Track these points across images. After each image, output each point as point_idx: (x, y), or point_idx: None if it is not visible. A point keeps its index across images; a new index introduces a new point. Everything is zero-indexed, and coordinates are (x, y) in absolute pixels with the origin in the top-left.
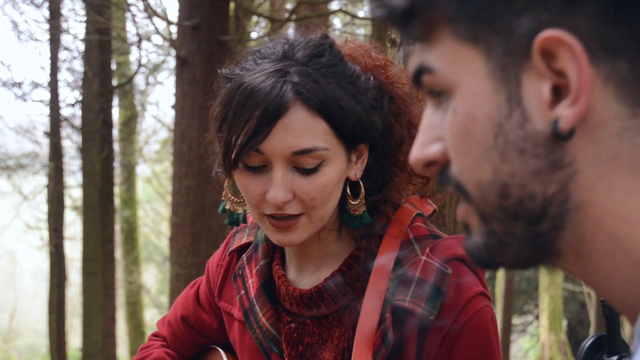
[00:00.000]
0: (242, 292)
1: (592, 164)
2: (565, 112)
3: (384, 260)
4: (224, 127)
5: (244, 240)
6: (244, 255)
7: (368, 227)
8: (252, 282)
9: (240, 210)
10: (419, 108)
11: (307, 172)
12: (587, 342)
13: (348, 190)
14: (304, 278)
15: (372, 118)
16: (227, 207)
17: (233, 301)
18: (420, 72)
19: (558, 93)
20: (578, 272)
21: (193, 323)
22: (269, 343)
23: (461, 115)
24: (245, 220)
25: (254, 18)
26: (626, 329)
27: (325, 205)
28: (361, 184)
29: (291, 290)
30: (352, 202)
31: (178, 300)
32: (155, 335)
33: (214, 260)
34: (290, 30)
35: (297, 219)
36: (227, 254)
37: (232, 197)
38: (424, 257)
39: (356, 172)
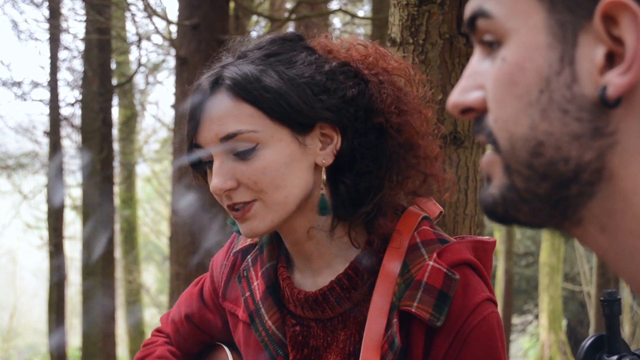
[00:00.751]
0: (247, 294)
1: (633, 137)
2: (615, 80)
3: (390, 264)
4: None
5: (248, 241)
6: (248, 256)
7: (373, 228)
8: (257, 285)
9: None
10: (414, 95)
11: (243, 157)
12: (587, 342)
13: (323, 176)
14: (308, 280)
15: (315, 99)
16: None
17: (238, 302)
18: (476, 16)
19: (611, 60)
20: (598, 246)
21: (197, 322)
22: (275, 346)
23: (510, 64)
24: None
25: (254, 17)
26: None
27: (279, 189)
28: (325, 170)
29: (296, 292)
30: (322, 188)
31: (182, 297)
32: (158, 330)
33: (218, 259)
34: (290, 30)
35: (250, 205)
36: (231, 254)
37: None
38: (431, 262)
39: (323, 157)
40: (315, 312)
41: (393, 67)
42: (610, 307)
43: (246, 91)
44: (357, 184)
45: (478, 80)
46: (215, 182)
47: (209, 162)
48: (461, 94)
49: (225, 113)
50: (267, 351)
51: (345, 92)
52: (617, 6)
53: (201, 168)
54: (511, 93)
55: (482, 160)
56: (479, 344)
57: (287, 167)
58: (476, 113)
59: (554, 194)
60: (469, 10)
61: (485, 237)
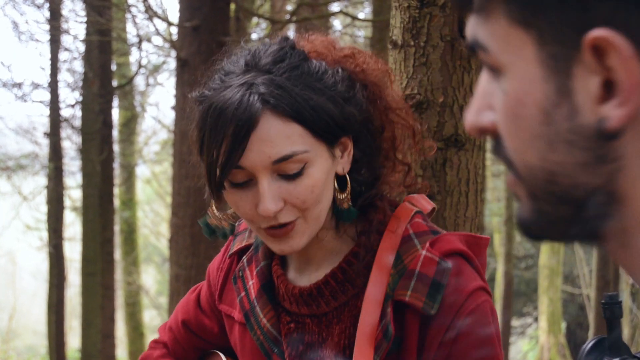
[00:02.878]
0: (243, 293)
1: (639, 158)
2: (613, 113)
3: (384, 255)
4: (204, 150)
5: (244, 243)
6: (244, 257)
7: (367, 224)
8: (252, 284)
9: (224, 225)
10: (394, 91)
11: (292, 177)
12: (588, 345)
13: (336, 185)
14: (304, 277)
15: (346, 110)
16: (212, 222)
17: (233, 304)
18: (475, 48)
19: (610, 87)
20: (623, 261)
21: (194, 327)
22: (270, 344)
23: (511, 98)
24: (232, 233)
25: (255, 19)
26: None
27: (319, 204)
28: (347, 178)
29: (290, 288)
30: (340, 197)
31: (179, 305)
32: (156, 342)
33: (215, 265)
34: (290, 32)
35: (293, 223)
36: (227, 257)
37: (218, 214)
38: (424, 252)
39: (343, 166)
40: (310, 307)
41: (376, 67)
42: (611, 310)
43: (295, 111)
44: (361, 183)
45: (489, 100)
46: (268, 205)
47: (245, 182)
48: (476, 115)
49: (277, 135)
50: (262, 349)
51: (357, 100)
52: (602, 41)
53: (222, 189)
54: (518, 125)
55: (507, 179)
56: (473, 332)
57: (326, 182)
58: (492, 133)
59: (575, 216)
60: (468, 36)
61: (483, 237)
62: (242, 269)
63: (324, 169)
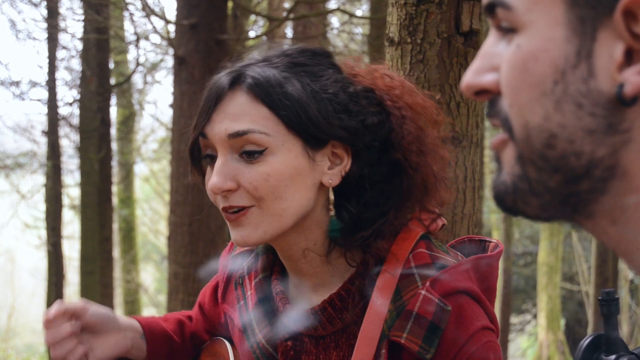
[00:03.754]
0: (242, 302)
1: None
2: (633, 78)
3: (383, 291)
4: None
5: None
6: (244, 263)
7: (369, 249)
8: (250, 295)
9: None
10: (433, 137)
11: (250, 159)
12: (585, 341)
13: (331, 196)
14: (303, 296)
15: (334, 116)
16: None
17: (234, 306)
18: (494, 5)
19: (630, 56)
20: (609, 239)
21: (207, 312)
22: (265, 359)
23: (524, 53)
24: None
25: (252, 17)
26: (624, 328)
27: (277, 199)
28: (330, 189)
29: (288, 308)
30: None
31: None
32: (186, 313)
33: (223, 259)
34: (288, 29)
35: (246, 210)
36: (231, 257)
37: None
38: (423, 292)
39: (330, 177)
40: (308, 329)
41: (418, 104)
42: (608, 307)
43: (266, 93)
44: (361, 214)
45: (493, 61)
46: (215, 180)
47: (211, 158)
48: (476, 75)
49: (241, 110)
50: None
51: (365, 118)
52: (635, 3)
53: (199, 163)
54: (525, 81)
55: (493, 140)
56: None
57: (291, 180)
58: (491, 95)
59: (564, 188)
60: None
61: (493, 240)
62: (242, 276)
63: (290, 164)
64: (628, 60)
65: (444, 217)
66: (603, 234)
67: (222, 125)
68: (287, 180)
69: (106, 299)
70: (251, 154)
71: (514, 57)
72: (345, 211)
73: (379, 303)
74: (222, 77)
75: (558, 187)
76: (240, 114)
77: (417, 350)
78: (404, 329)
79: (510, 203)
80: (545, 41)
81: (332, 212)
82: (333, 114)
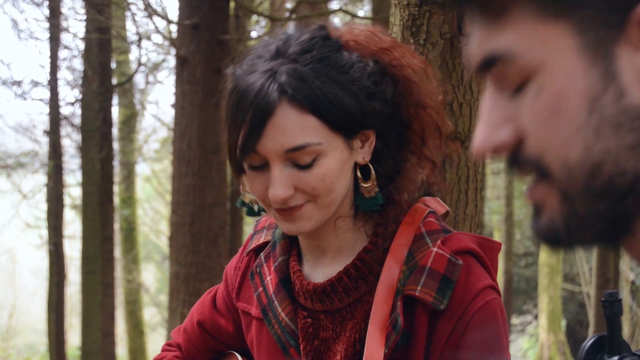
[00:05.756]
0: (260, 289)
1: None
2: None
3: (396, 253)
4: (227, 131)
5: (262, 240)
6: (261, 254)
7: (384, 216)
8: (270, 279)
9: (257, 203)
10: (429, 88)
11: (304, 167)
12: (588, 342)
13: (359, 174)
14: (319, 272)
15: (367, 106)
16: (246, 200)
17: (251, 300)
18: (492, 62)
19: None
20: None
21: (209, 328)
22: (288, 337)
23: (549, 95)
24: (263, 210)
25: (254, 17)
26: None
27: (331, 192)
28: (371, 167)
29: (305, 284)
30: (364, 185)
31: (194, 307)
32: (169, 344)
33: (232, 264)
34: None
35: (302, 206)
36: (245, 255)
37: (249, 191)
38: (435, 249)
39: (364, 155)
40: (324, 303)
41: (413, 63)
42: (611, 308)
43: (312, 103)
44: (382, 174)
45: (503, 114)
46: (277, 191)
47: (262, 166)
48: (490, 133)
49: (292, 124)
50: (279, 343)
51: (384, 95)
52: None
53: (252, 168)
54: (557, 122)
55: (529, 192)
56: (481, 329)
57: (340, 172)
58: (509, 148)
59: (612, 210)
60: (477, 55)
61: (495, 240)
62: (260, 265)
63: (338, 159)
64: None
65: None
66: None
67: (276, 141)
68: (337, 174)
69: (107, 299)
70: (306, 165)
71: (539, 104)
72: (377, 174)
73: (393, 264)
74: (257, 85)
75: (606, 211)
76: (293, 128)
77: (431, 301)
78: (417, 282)
79: (566, 242)
80: (567, 76)
81: (373, 188)
82: (366, 103)
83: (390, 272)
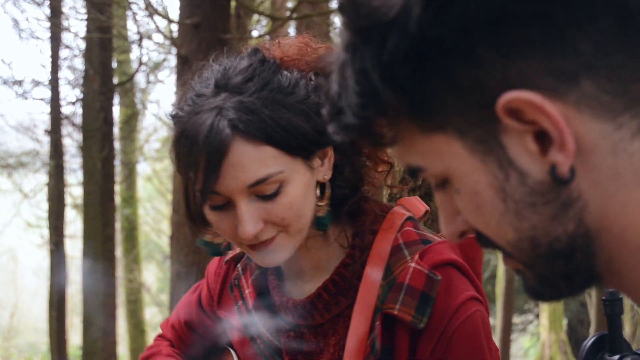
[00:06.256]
0: (240, 302)
1: (596, 190)
2: (559, 158)
3: (373, 267)
4: (181, 177)
5: (238, 250)
6: (239, 265)
7: (359, 226)
8: (249, 292)
9: (220, 240)
10: None
11: (269, 197)
12: (589, 341)
13: (318, 192)
14: (298, 288)
15: (320, 123)
16: (207, 239)
17: (232, 310)
18: (414, 172)
19: (543, 138)
20: (617, 287)
21: (197, 328)
22: (272, 352)
23: (465, 195)
24: (230, 248)
25: (255, 16)
26: (626, 329)
27: (300, 218)
28: (327, 185)
29: (285, 301)
30: (319, 204)
31: (180, 304)
32: (160, 336)
33: (212, 268)
34: (291, 29)
35: (273, 238)
36: (224, 263)
37: (212, 231)
38: (413, 264)
39: (324, 173)
40: (306, 319)
41: None
42: (611, 307)
43: (265, 134)
44: (343, 188)
45: (452, 207)
46: (248, 228)
47: (225, 204)
48: (449, 225)
49: (249, 159)
50: (263, 357)
51: None
52: (511, 103)
53: (204, 219)
54: (483, 214)
55: (504, 262)
56: (463, 344)
57: (305, 195)
58: (471, 231)
59: (568, 267)
60: (403, 167)
61: None
62: (238, 277)
63: (302, 183)
64: (543, 143)
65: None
66: (613, 285)
67: (237, 179)
68: (303, 198)
69: (108, 299)
70: (271, 195)
71: (463, 202)
72: (336, 188)
73: (372, 279)
74: (206, 125)
75: (564, 269)
76: (251, 163)
77: (410, 320)
78: (396, 300)
79: (549, 296)
80: (470, 176)
81: (323, 205)
82: (318, 120)
83: (368, 289)
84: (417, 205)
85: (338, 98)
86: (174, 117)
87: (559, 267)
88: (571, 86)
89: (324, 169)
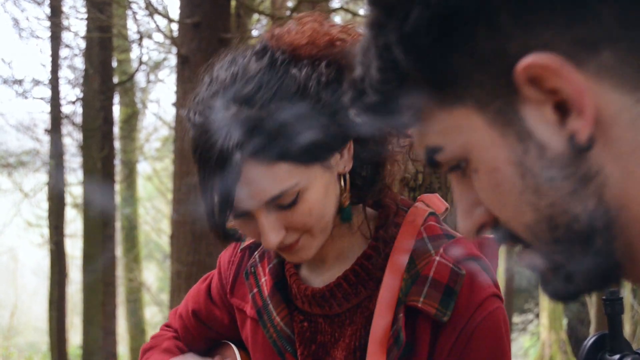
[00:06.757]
0: (255, 290)
1: (616, 165)
2: (577, 125)
3: (398, 259)
4: (200, 191)
5: None
6: (256, 252)
7: (383, 218)
8: (265, 281)
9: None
10: None
11: (288, 206)
12: (589, 341)
13: (342, 184)
14: (317, 276)
15: (333, 125)
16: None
17: (246, 298)
18: (432, 155)
19: (562, 109)
20: (635, 278)
21: (204, 318)
22: (283, 342)
23: (484, 173)
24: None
25: (255, 16)
26: (626, 328)
27: (322, 218)
28: (346, 176)
29: (303, 288)
30: (344, 195)
31: (189, 293)
32: (167, 325)
33: (226, 256)
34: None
35: (298, 240)
36: (239, 251)
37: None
38: (437, 258)
39: (344, 165)
40: (323, 308)
41: None
42: (612, 306)
43: (277, 151)
44: (367, 169)
45: (470, 198)
46: (270, 239)
47: (243, 215)
48: (467, 219)
49: (264, 178)
50: (275, 347)
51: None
52: (530, 69)
53: (237, 217)
54: (501, 193)
55: (522, 263)
56: (485, 340)
57: (325, 196)
58: (489, 225)
59: (589, 253)
60: (420, 152)
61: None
62: (255, 264)
63: (320, 186)
64: (563, 113)
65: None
66: (631, 277)
67: (252, 197)
68: (323, 200)
69: (109, 298)
70: (289, 205)
71: (481, 182)
72: (357, 177)
73: (395, 272)
74: (225, 152)
75: (586, 255)
76: (265, 181)
77: (434, 313)
78: (420, 293)
79: (574, 293)
80: (489, 150)
81: (346, 199)
82: (331, 123)
83: (392, 280)
84: (437, 203)
85: (360, 81)
86: (188, 119)
87: (577, 253)
88: (591, 55)
89: (343, 161)
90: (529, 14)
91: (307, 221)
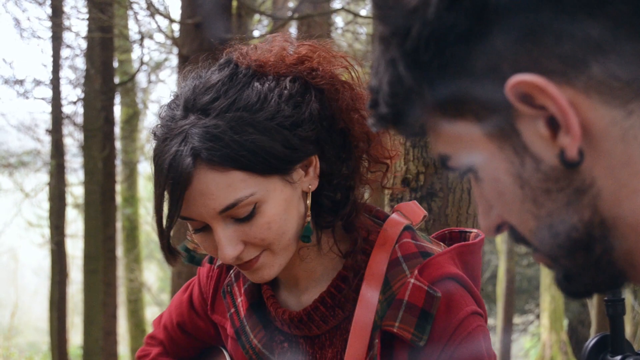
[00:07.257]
0: (232, 310)
1: (609, 177)
2: (566, 141)
3: (372, 280)
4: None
5: None
6: (231, 271)
7: (351, 244)
8: (241, 301)
9: (202, 251)
10: (359, 88)
11: (245, 219)
12: (591, 342)
13: (308, 202)
14: (294, 298)
15: (294, 137)
16: (189, 246)
17: (225, 315)
18: (444, 161)
19: (554, 124)
20: (638, 282)
21: (189, 329)
22: None
23: (487, 182)
24: (211, 262)
25: (256, 16)
26: (627, 329)
27: (283, 235)
28: (308, 195)
29: (280, 312)
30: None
31: (172, 303)
32: (151, 337)
33: (204, 270)
34: (293, 29)
35: (257, 257)
36: (215, 267)
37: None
38: (412, 280)
39: (309, 183)
40: (302, 330)
41: (336, 63)
42: (614, 307)
43: (232, 159)
44: (336, 192)
45: (487, 200)
46: (226, 252)
47: (204, 227)
48: (486, 219)
49: (216, 186)
50: None
51: (311, 113)
52: (519, 87)
53: (196, 231)
54: (505, 202)
55: (534, 258)
56: None
57: (286, 212)
58: (507, 225)
59: (589, 259)
60: (435, 157)
61: (473, 230)
62: (230, 284)
63: (280, 200)
64: (554, 129)
65: (425, 211)
66: (635, 281)
67: (205, 206)
68: (283, 215)
69: (109, 298)
70: (246, 217)
71: (486, 189)
72: (324, 198)
73: (369, 295)
74: (177, 158)
75: (585, 261)
76: (217, 190)
77: (410, 338)
78: (395, 318)
79: (583, 292)
80: (489, 161)
81: (308, 218)
82: (292, 136)
83: (367, 304)
84: (415, 210)
85: (376, 91)
86: (152, 134)
87: (580, 259)
88: (580, 71)
89: (308, 179)
90: (518, 32)
91: (265, 236)
